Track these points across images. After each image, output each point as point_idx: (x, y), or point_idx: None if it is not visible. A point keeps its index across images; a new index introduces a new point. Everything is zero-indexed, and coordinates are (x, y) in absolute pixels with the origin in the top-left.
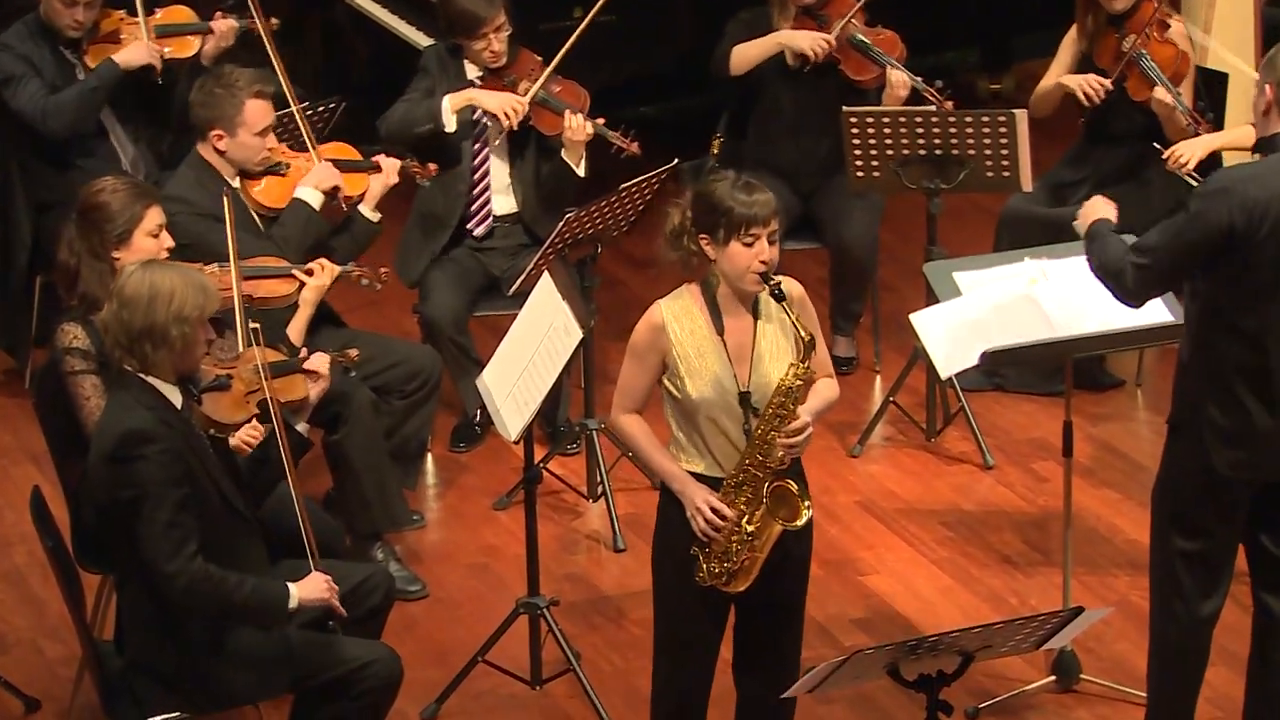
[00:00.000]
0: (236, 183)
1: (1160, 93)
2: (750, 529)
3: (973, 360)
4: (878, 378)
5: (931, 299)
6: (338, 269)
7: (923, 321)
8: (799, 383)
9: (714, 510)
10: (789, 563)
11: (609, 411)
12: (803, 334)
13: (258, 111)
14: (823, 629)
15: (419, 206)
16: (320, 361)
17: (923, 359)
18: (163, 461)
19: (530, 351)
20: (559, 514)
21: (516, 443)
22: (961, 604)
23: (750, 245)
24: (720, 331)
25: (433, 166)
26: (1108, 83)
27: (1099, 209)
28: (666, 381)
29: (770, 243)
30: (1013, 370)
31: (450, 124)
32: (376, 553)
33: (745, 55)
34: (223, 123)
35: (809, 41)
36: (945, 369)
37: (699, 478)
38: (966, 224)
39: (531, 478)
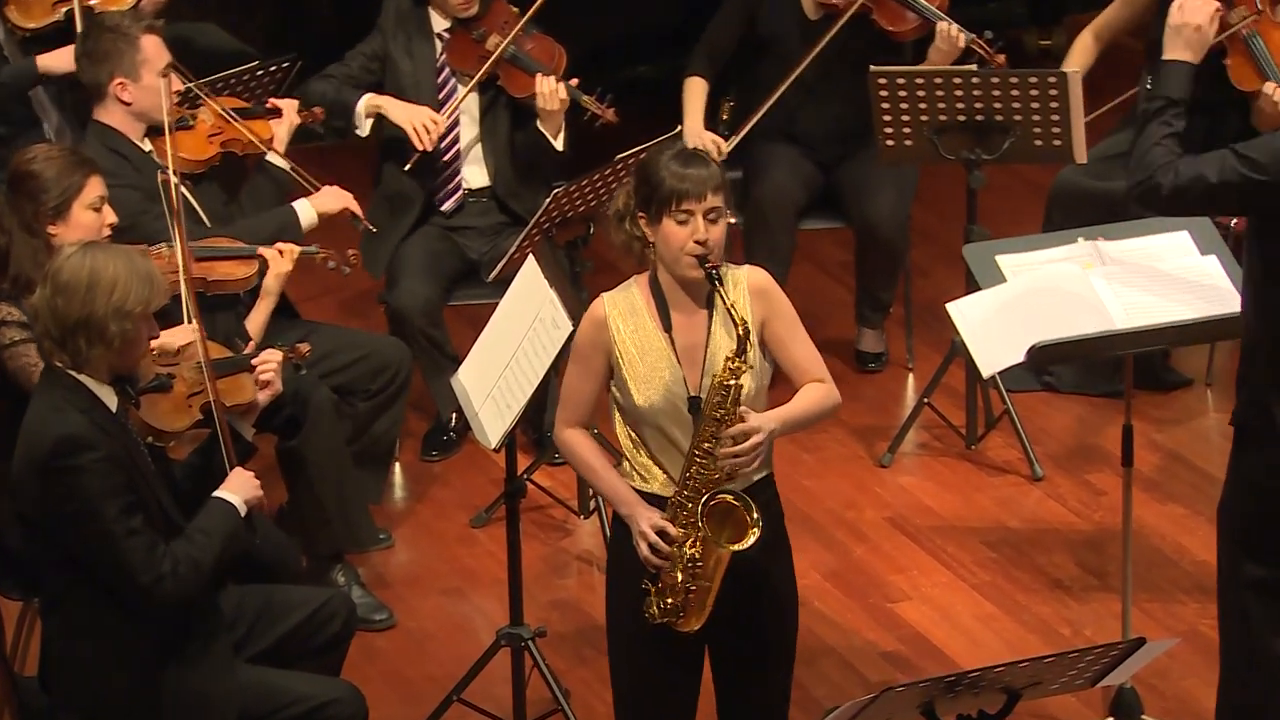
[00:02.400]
0: (148, 145)
1: (1273, 89)
2: (691, 552)
3: (1019, 356)
4: (910, 376)
5: (972, 286)
6: (298, 250)
7: (962, 311)
8: (733, 380)
9: (659, 532)
10: (766, 597)
11: (602, 417)
12: (736, 321)
13: (155, 47)
14: (847, 663)
15: (382, 187)
16: (271, 359)
17: (961, 355)
18: (103, 470)
19: (513, 347)
20: (546, 532)
21: (497, 451)
22: (1006, 634)
23: (684, 223)
24: (668, 329)
25: (319, 110)
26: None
27: (1189, 26)
28: (613, 387)
29: (710, 221)
30: (1065, 368)
31: (364, 128)
32: (337, 576)
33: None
34: (124, 68)
35: (696, 139)
36: (987, 366)
37: (655, 500)
38: (1012, 200)
39: (514, 491)
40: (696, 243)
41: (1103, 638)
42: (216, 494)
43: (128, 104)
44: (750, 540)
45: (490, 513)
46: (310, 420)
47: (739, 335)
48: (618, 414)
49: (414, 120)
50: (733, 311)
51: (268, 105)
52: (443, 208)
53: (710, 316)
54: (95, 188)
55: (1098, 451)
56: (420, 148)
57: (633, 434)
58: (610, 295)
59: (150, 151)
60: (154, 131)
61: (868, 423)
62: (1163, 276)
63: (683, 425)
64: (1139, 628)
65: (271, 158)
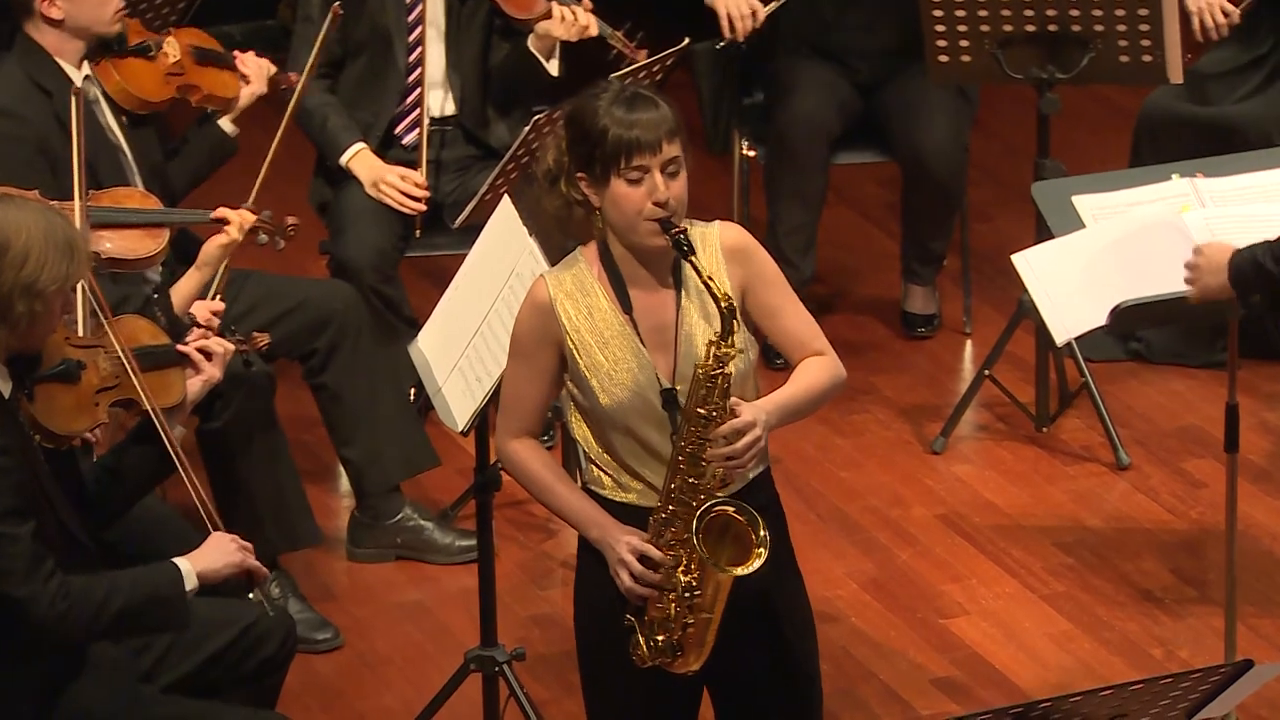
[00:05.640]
0: (85, 70)
1: None
2: (687, 579)
3: (1100, 319)
4: (968, 343)
5: (1043, 233)
6: (252, 218)
7: (1030, 264)
8: (719, 370)
9: (642, 558)
10: (772, 623)
11: None
12: (719, 297)
13: None
14: (892, 692)
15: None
16: (219, 348)
17: (1030, 317)
18: None
19: (484, 308)
20: (524, 533)
21: (465, 435)
22: (1084, 656)
23: (637, 183)
24: (628, 309)
25: (294, 76)
26: (1235, 14)
27: (1215, 254)
28: (569, 383)
29: (669, 175)
30: (1156, 333)
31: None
32: (271, 586)
33: None
34: None
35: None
36: (1062, 331)
37: (633, 512)
38: (1092, 128)
39: (486, 483)
40: (656, 204)
41: (1202, 660)
42: (173, 560)
43: (58, 22)
44: (756, 563)
45: (457, 510)
46: (237, 395)
47: (723, 314)
48: (576, 414)
49: (383, 191)
50: (712, 285)
51: (236, 60)
52: (404, 141)
53: (678, 290)
54: None
55: (1196, 434)
56: (411, 212)
57: (599, 438)
58: (553, 274)
59: (87, 77)
60: (96, 53)
61: (917, 400)
62: (1276, 221)
63: (658, 424)
64: (1245, 648)
65: (223, 123)
